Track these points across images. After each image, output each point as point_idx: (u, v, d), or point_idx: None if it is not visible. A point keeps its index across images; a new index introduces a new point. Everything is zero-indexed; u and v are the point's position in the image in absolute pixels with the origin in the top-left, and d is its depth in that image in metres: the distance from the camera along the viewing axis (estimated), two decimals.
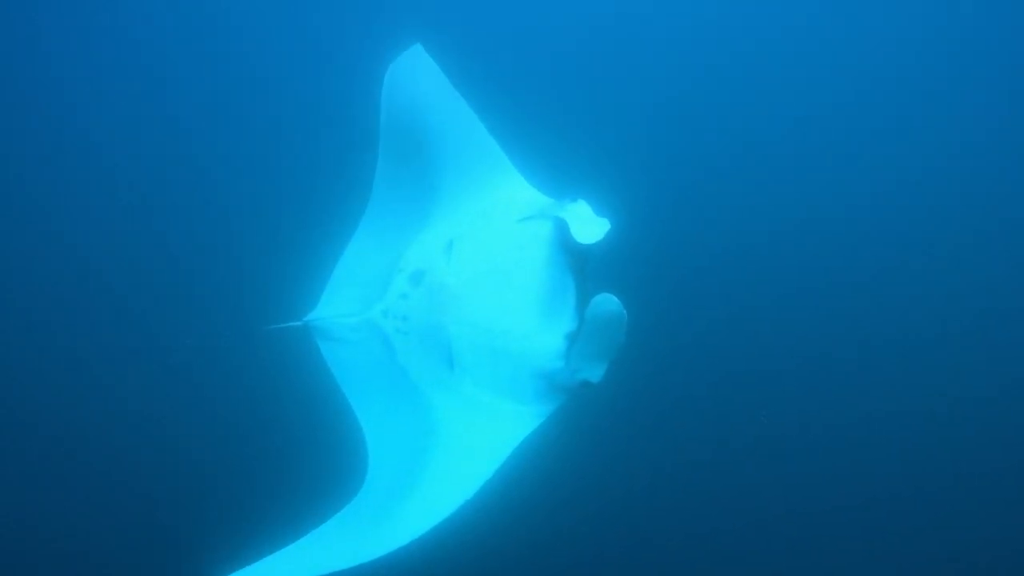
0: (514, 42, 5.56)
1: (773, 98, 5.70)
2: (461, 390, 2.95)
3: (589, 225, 2.89)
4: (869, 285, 5.46)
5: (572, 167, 3.73)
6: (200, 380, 4.72)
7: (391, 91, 3.14)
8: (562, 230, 2.92)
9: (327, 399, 3.08)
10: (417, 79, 3.15)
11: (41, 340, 5.00)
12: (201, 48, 5.86)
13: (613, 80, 5.63)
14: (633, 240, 3.20)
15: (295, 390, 3.86)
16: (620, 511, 4.86)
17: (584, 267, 2.96)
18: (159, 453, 4.77)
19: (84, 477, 4.76)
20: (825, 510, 5.07)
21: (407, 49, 3.16)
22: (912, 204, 5.61)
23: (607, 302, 2.75)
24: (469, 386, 2.95)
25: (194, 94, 5.69)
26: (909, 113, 5.77)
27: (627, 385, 3.04)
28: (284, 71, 5.64)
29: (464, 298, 3.01)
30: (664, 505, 4.95)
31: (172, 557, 4.45)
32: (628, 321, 2.72)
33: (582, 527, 4.75)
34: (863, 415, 5.23)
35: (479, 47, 4.80)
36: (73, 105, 5.62)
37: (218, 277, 4.98)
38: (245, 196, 5.30)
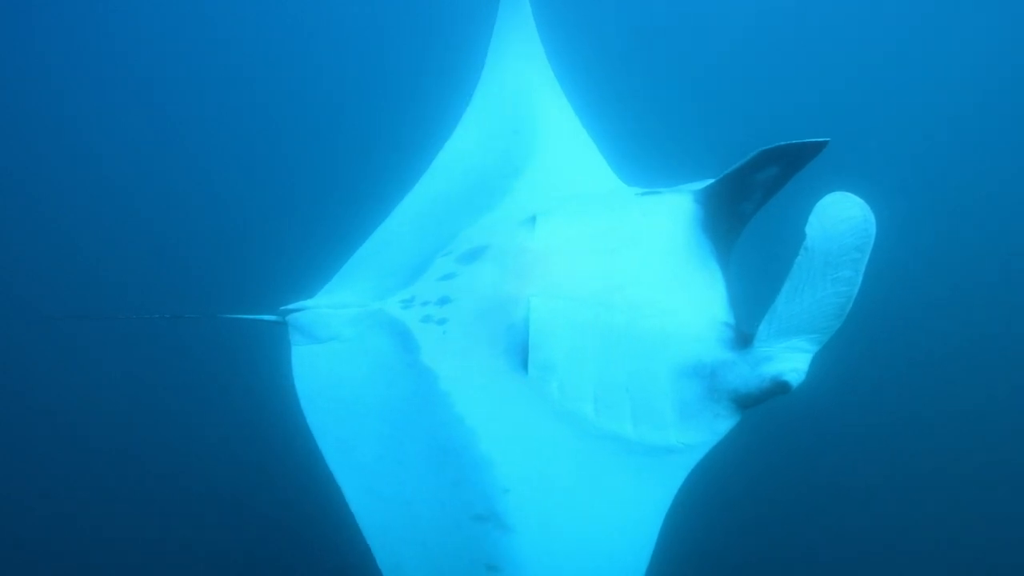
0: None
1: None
2: (536, 410, 1.82)
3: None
4: None
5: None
6: (168, 370, 4.66)
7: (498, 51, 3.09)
8: (740, 171, 2.00)
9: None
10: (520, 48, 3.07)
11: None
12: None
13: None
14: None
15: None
16: None
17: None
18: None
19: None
20: None
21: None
22: None
23: (846, 204, 1.66)
24: (553, 396, 1.83)
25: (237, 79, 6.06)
26: None
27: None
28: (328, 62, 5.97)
29: (558, 264, 2.04)
30: None
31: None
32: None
33: None
34: None
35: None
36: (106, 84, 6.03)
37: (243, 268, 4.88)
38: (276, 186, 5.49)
